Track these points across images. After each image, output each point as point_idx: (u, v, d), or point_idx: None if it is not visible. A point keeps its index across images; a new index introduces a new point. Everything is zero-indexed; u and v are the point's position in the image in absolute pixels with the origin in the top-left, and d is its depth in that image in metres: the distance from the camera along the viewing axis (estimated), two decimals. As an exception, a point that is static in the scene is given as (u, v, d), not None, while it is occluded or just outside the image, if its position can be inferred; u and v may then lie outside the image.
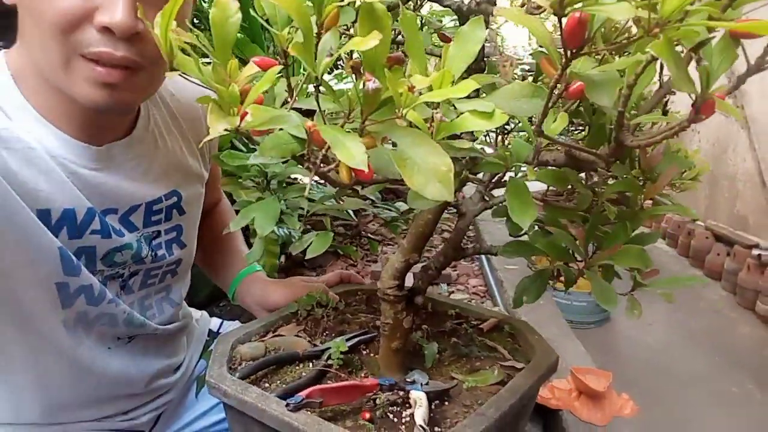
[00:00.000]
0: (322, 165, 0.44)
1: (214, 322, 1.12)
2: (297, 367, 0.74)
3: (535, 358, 0.74)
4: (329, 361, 0.72)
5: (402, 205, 1.09)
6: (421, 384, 0.66)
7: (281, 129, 0.44)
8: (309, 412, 0.60)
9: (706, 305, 3.38)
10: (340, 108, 0.47)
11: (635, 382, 2.37)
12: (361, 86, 0.41)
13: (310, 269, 2.15)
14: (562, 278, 0.66)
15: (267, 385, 0.70)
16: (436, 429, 0.60)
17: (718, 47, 0.40)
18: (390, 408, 0.64)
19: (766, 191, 3.44)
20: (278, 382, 0.71)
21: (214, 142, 0.98)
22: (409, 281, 0.71)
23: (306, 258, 0.85)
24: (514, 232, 0.70)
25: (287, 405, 0.60)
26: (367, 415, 0.62)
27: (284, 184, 0.99)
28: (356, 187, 0.88)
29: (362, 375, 0.72)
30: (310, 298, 0.87)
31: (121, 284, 0.83)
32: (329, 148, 0.40)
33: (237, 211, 0.80)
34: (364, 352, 0.77)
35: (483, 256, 2.39)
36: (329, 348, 0.74)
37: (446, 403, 0.66)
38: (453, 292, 2.16)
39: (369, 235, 2.51)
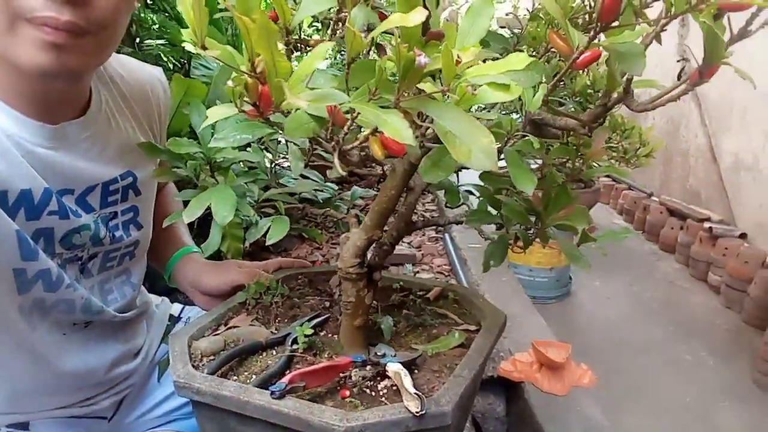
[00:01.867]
0: (343, 143, 0.44)
1: (175, 307, 1.11)
2: (260, 356, 0.73)
3: (488, 320, 0.77)
4: (295, 346, 0.72)
5: (334, 186, 1.09)
6: (391, 356, 0.67)
7: (298, 109, 0.44)
8: (294, 398, 0.60)
9: (661, 277, 3.50)
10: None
11: (594, 352, 2.45)
12: (384, 62, 0.41)
13: (276, 253, 2.13)
14: (519, 243, 0.70)
15: (235, 378, 0.68)
16: (427, 395, 0.60)
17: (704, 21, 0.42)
18: (366, 383, 0.65)
19: (717, 166, 3.56)
20: (246, 373, 0.69)
21: (165, 125, 0.97)
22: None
23: (267, 243, 0.85)
24: (453, 204, 0.76)
25: (272, 393, 0.59)
26: (347, 393, 0.63)
27: (243, 171, 0.97)
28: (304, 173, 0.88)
29: (326, 356, 0.72)
30: (259, 286, 0.86)
31: (80, 267, 0.82)
32: (350, 126, 0.41)
33: (184, 202, 0.77)
34: (321, 334, 0.78)
35: (447, 237, 2.42)
36: (291, 333, 0.74)
37: (415, 371, 0.67)
38: (418, 272, 2.18)
39: (313, 218, 2.50)
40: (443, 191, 0.74)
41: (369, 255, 0.73)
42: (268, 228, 0.84)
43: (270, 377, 0.64)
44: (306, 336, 0.73)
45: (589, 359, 1.41)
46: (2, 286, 0.72)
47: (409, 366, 0.68)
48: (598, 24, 0.42)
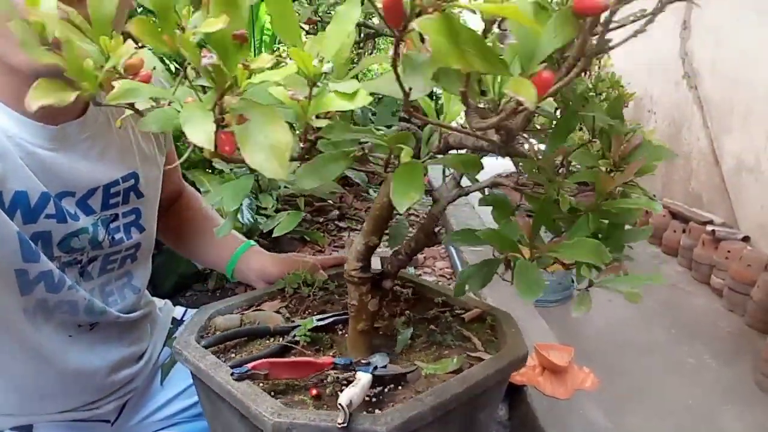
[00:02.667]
0: None
1: (178, 311, 1.11)
2: (267, 341, 0.75)
3: (501, 351, 0.73)
4: (295, 338, 0.73)
5: None
6: (377, 366, 0.66)
7: (170, 103, 0.44)
8: (253, 383, 0.62)
9: (663, 280, 3.49)
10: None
11: (596, 356, 2.44)
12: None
13: (277, 256, 2.13)
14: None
15: (233, 355, 0.73)
16: (377, 411, 0.61)
17: (553, 24, 0.39)
18: (341, 387, 0.65)
19: (719, 168, 3.55)
20: (245, 353, 0.73)
21: None
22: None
23: (273, 238, 0.86)
24: (500, 221, 0.67)
25: (232, 374, 0.62)
26: (314, 392, 0.63)
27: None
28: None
29: (331, 354, 0.73)
30: (296, 277, 0.88)
31: (79, 271, 0.82)
32: None
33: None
34: (340, 333, 0.78)
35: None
36: (300, 325, 0.75)
37: (400, 387, 0.66)
38: (420, 275, 2.18)
39: (349, 216, 2.50)
40: (491, 206, 0.66)
41: (382, 263, 0.72)
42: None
43: (249, 360, 0.66)
44: (310, 330, 0.74)
45: (591, 362, 1.41)
46: (5, 288, 0.72)
47: (398, 381, 0.67)
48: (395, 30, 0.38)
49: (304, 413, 0.58)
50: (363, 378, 0.62)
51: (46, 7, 0.40)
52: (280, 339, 0.75)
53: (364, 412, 0.59)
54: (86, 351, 0.84)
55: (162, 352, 1.03)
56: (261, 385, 0.64)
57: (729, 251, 3.15)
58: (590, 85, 0.81)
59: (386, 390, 0.65)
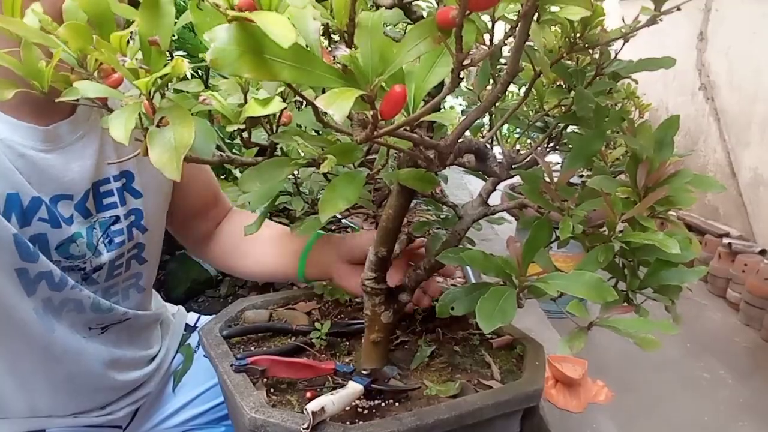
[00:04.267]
0: None
1: (191, 317, 1.11)
2: (288, 340, 0.78)
3: (509, 384, 0.70)
4: (311, 340, 0.75)
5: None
6: (377, 379, 0.65)
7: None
8: (248, 376, 0.65)
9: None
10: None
11: (609, 369, 2.42)
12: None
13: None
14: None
15: (252, 348, 0.76)
16: (359, 422, 0.60)
17: (413, 35, 0.38)
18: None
19: (736, 181, 3.51)
20: (264, 347, 0.76)
21: None
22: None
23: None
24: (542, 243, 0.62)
25: (231, 365, 0.65)
26: (308, 394, 0.63)
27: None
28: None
29: (347, 360, 0.74)
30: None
31: (83, 276, 0.81)
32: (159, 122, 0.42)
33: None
34: (363, 341, 0.77)
35: (461, 248, 2.41)
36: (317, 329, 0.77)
37: (397, 404, 0.65)
38: (432, 284, 2.17)
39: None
40: (523, 223, 0.62)
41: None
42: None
43: (254, 354, 0.68)
44: (331, 335, 0.76)
45: (604, 375, 1.39)
46: (12, 290, 0.72)
47: (398, 396, 0.66)
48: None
49: (280, 413, 0.58)
50: (350, 387, 0.62)
51: (28, 21, 0.43)
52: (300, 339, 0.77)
53: (348, 422, 0.59)
54: (98, 351, 0.85)
55: (174, 358, 1.03)
56: (265, 380, 0.66)
57: (746, 264, 3.11)
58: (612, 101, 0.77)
59: (383, 404, 0.65)
